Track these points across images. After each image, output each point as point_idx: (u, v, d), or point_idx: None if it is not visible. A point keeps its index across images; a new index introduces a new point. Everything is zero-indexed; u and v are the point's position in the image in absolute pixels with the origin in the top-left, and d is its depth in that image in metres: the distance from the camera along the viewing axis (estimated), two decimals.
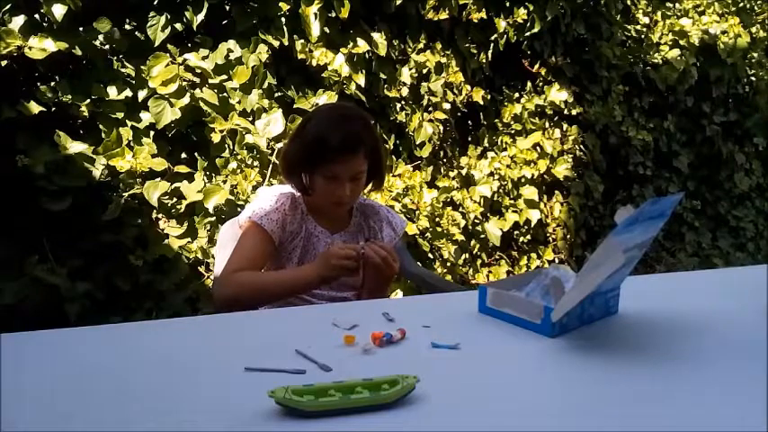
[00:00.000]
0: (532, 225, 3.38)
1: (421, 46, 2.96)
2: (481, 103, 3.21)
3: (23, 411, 0.75)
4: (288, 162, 1.47)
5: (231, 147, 2.37)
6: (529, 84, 3.48)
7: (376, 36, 2.72)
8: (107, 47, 2.19)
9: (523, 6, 3.17)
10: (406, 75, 2.90)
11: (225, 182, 2.33)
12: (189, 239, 2.31)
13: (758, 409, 0.80)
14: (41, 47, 1.98)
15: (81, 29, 2.10)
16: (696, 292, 1.37)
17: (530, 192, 3.35)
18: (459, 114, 3.26)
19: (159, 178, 2.23)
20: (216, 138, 2.30)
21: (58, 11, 2.00)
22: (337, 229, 1.54)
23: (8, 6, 1.99)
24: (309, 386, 0.77)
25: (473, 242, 3.23)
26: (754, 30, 4.60)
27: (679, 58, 4.08)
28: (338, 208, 1.50)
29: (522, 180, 3.36)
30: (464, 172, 3.22)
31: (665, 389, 0.86)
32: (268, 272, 1.48)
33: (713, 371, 0.93)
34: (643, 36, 4.17)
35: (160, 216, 2.29)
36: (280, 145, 2.43)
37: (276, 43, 2.45)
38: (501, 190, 3.30)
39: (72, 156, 2.05)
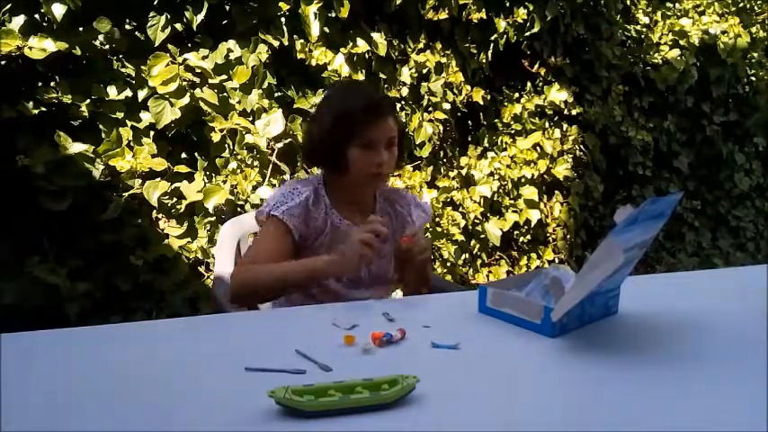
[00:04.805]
0: (532, 225, 3.38)
1: (421, 46, 2.96)
2: (481, 103, 3.20)
3: (23, 411, 0.75)
4: (314, 146, 1.41)
5: (231, 147, 2.37)
6: (529, 84, 3.48)
7: (376, 36, 2.72)
8: (107, 47, 2.19)
9: (523, 6, 3.17)
10: (405, 75, 2.90)
11: (225, 182, 2.33)
12: (189, 239, 2.31)
13: (758, 408, 0.80)
14: (41, 47, 1.98)
15: (81, 29, 2.10)
16: (696, 292, 1.37)
17: (530, 192, 3.35)
18: (459, 114, 3.26)
19: (159, 178, 2.23)
20: (216, 137, 2.30)
21: (58, 11, 2.00)
22: (362, 218, 1.43)
23: (8, 6, 1.99)
24: (309, 386, 0.77)
25: (473, 242, 3.23)
26: (754, 30, 4.60)
27: (679, 58, 4.07)
28: (378, 180, 1.42)
29: (522, 180, 3.35)
30: (464, 172, 3.22)
31: (665, 389, 0.86)
32: (277, 263, 1.35)
33: (713, 371, 0.93)
34: (643, 36, 4.16)
35: (160, 216, 2.29)
36: (279, 145, 2.43)
37: (276, 43, 2.45)
38: (501, 190, 3.30)
39: (72, 156, 2.05)
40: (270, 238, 1.37)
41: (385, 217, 1.49)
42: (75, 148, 2.06)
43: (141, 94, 2.22)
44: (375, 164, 1.37)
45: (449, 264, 3.03)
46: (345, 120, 1.34)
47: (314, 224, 1.40)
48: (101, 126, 2.17)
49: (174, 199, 2.28)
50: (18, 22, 2.00)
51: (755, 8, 4.83)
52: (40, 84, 2.06)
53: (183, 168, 2.28)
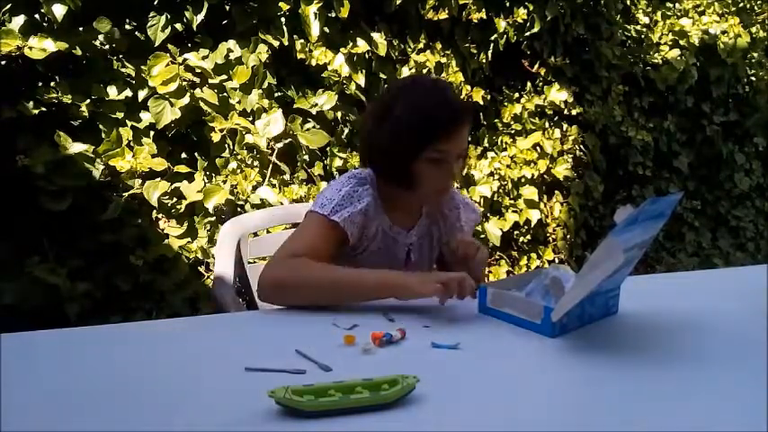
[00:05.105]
0: (532, 225, 3.38)
1: (421, 46, 2.96)
2: (481, 103, 3.20)
3: (24, 411, 0.75)
4: (379, 152, 1.26)
5: (231, 147, 2.37)
6: (529, 84, 3.48)
7: (376, 36, 2.72)
8: (107, 47, 2.19)
9: (523, 6, 3.17)
10: (406, 75, 2.90)
11: (225, 182, 2.33)
12: (189, 239, 2.31)
13: (758, 408, 0.80)
14: (41, 47, 1.98)
15: (81, 29, 2.10)
16: (696, 292, 1.37)
17: (530, 192, 3.35)
18: None
19: (159, 178, 2.23)
20: (216, 137, 2.30)
21: (59, 11, 2.00)
22: (410, 223, 1.38)
23: (8, 6, 1.99)
24: (309, 386, 0.77)
25: None
26: (754, 30, 4.60)
27: (679, 58, 4.07)
28: (443, 195, 1.32)
29: (522, 180, 3.35)
30: (464, 172, 3.21)
31: (665, 389, 0.86)
32: (333, 265, 1.23)
33: (713, 370, 0.93)
34: (643, 36, 4.16)
35: (160, 216, 2.29)
36: (279, 145, 2.43)
37: (276, 43, 2.45)
38: (501, 190, 3.30)
39: (72, 156, 2.05)
40: (317, 237, 1.24)
41: (433, 220, 1.42)
42: (75, 148, 2.06)
43: (141, 94, 2.22)
44: (444, 182, 1.26)
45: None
46: (420, 130, 1.20)
47: (368, 232, 1.30)
48: (101, 126, 2.17)
49: (174, 199, 2.28)
50: (18, 22, 1.99)
51: (755, 8, 4.83)
52: (40, 84, 2.06)
53: (183, 168, 2.28)
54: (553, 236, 3.64)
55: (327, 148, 2.63)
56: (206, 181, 2.33)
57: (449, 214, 1.43)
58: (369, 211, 1.28)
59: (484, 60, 3.22)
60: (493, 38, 3.18)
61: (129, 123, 2.22)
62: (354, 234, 1.26)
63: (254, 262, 1.60)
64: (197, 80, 2.28)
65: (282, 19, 2.46)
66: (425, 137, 1.21)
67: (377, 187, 1.32)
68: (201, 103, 2.28)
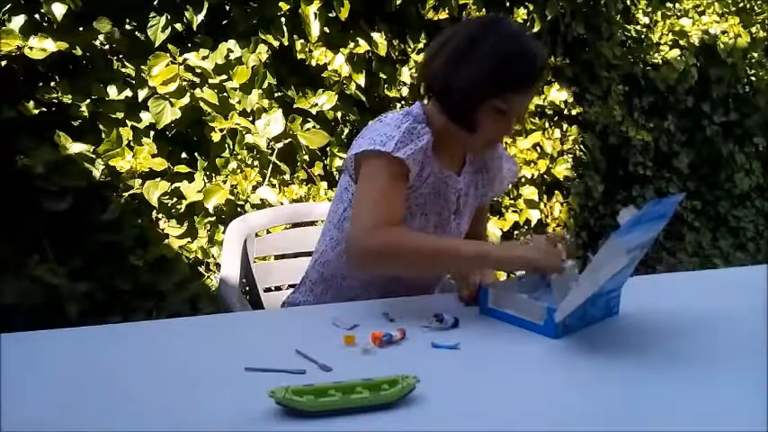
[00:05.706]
0: (532, 225, 3.38)
1: (421, 46, 2.96)
2: None
3: (23, 411, 0.75)
4: (449, 90, 1.19)
5: (231, 147, 2.37)
6: None
7: (376, 36, 2.72)
8: (107, 47, 2.19)
9: (523, 6, 3.17)
10: (405, 75, 2.90)
11: (225, 182, 2.33)
12: (189, 239, 2.31)
13: (758, 408, 0.80)
14: (41, 47, 1.97)
15: (81, 29, 2.10)
16: (696, 292, 1.37)
17: (530, 192, 3.35)
18: None
19: (159, 178, 2.23)
20: (216, 137, 2.30)
21: (59, 10, 1.99)
22: (457, 167, 1.34)
23: (8, 6, 1.99)
24: (309, 386, 0.77)
25: None
26: (754, 30, 4.60)
27: (679, 58, 4.07)
28: (490, 147, 1.32)
29: (522, 180, 3.36)
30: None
31: (666, 389, 0.86)
32: (434, 235, 1.24)
33: (714, 371, 0.93)
34: (643, 36, 4.16)
35: (160, 216, 2.29)
36: (279, 145, 2.43)
37: (276, 43, 2.45)
38: None
39: (72, 156, 2.05)
40: (393, 184, 1.17)
41: (477, 168, 1.40)
42: (75, 148, 2.06)
43: (141, 94, 2.21)
44: (500, 135, 1.25)
45: None
46: (497, 76, 1.15)
47: (423, 173, 1.24)
48: (101, 126, 2.17)
49: (174, 199, 2.28)
50: (18, 22, 1.99)
51: (755, 8, 4.83)
52: (40, 84, 2.06)
53: (183, 168, 2.28)
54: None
55: (327, 148, 2.63)
56: (206, 181, 2.33)
57: (491, 164, 1.41)
58: (427, 151, 1.22)
59: None
60: None
61: (129, 123, 2.21)
62: (413, 173, 1.20)
63: (256, 261, 1.60)
64: (197, 80, 2.28)
65: (282, 19, 2.46)
66: (500, 84, 1.16)
67: (429, 123, 1.26)
68: (201, 103, 2.28)
